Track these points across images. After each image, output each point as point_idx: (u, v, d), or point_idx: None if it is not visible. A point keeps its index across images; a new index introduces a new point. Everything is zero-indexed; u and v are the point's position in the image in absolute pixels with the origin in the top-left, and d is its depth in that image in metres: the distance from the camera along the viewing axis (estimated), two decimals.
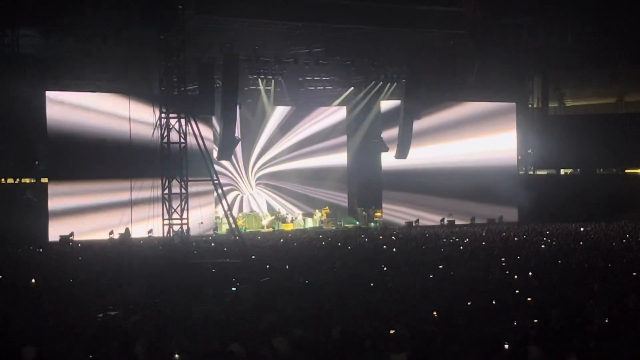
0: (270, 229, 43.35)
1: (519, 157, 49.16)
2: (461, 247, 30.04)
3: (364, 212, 46.93)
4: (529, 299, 16.29)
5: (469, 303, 15.79)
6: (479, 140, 47.11)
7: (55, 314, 15.69)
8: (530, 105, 50.60)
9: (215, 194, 36.51)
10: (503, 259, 24.72)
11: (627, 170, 52.35)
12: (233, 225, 34.45)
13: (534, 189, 47.15)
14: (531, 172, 50.44)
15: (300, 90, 45.40)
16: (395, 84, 44.63)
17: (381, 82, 45.09)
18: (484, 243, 31.82)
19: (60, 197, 38.63)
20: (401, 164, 44.52)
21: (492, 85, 47.44)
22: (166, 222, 31.69)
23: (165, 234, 31.71)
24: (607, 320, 13.46)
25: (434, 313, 14.52)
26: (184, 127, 31.89)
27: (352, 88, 46.34)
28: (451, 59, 45.48)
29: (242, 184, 46.29)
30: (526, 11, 45.38)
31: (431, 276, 20.79)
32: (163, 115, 31.74)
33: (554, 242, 31.69)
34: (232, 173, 45.52)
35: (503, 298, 16.42)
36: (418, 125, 43.94)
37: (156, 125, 32.06)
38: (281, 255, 27.54)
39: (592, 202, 46.41)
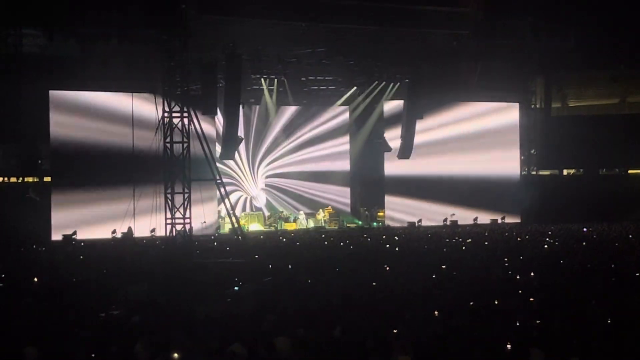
0: (273, 228, 43.42)
1: (522, 158, 49.13)
2: (464, 248, 30.02)
3: (366, 212, 46.95)
4: (531, 299, 16.28)
5: (471, 303, 15.78)
6: (482, 141, 47.09)
7: (57, 313, 15.69)
8: (533, 106, 50.56)
9: (218, 193, 36.53)
10: (505, 260, 24.70)
11: (630, 171, 52.31)
12: (236, 225, 34.45)
13: (537, 190, 47.14)
14: (534, 173, 50.40)
15: (303, 90, 45.40)
16: (398, 84, 44.67)
17: (384, 82, 45.12)
18: (486, 243, 31.81)
19: (63, 196, 38.67)
20: (404, 163, 44.52)
21: (494, 85, 47.38)
22: (169, 221, 31.69)
23: (167, 233, 31.71)
24: (609, 322, 13.44)
25: (436, 313, 14.51)
26: (187, 126, 31.89)
27: (355, 88, 46.35)
28: (454, 59, 45.44)
29: (244, 183, 46.29)
30: (529, 12, 45.33)
31: (433, 276, 20.78)
32: (166, 114, 31.73)
33: (557, 243, 31.68)
34: (234, 172, 45.53)
35: (505, 298, 16.40)
36: (421, 125, 43.94)
37: (159, 125, 32.06)
38: (284, 255, 27.54)
39: (595, 202, 46.39)
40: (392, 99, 45.63)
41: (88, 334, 13.25)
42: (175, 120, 31.85)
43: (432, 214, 45.79)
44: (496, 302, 15.92)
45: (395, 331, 12.88)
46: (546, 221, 43.36)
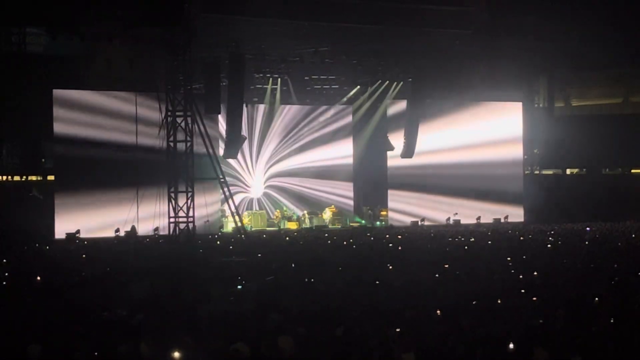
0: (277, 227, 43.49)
1: (525, 157, 49.13)
2: (466, 247, 30.02)
3: (369, 211, 46.95)
4: (534, 298, 16.28)
5: (474, 302, 15.78)
6: (485, 140, 47.08)
7: (60, 311, 15.71)
8: (536, 105, 50.57)
9: (221, 192, 36.57)
10: (509, 259, 24.70)
11: (633, 170, 52.29)
12: (239, 224, 34.50)
13: (540, 189, 47.14)
14: (537, 172, 50.40)
15: (307, 89, 45.45)
16: (402, 83, 44.67)
17: (387, 82, 45.14)
18: (489, 242, 31.81)
19: (67, 194, 38.71)
20: (407, 163, 44.55)
21: (498, 84, 47.39)
22: (172, 220, 31.74)
23: (171, 232, 31.77)
24: (612, 321, 13.44)
25: (438, 312, 14.51)
26: (190, 125, 31.93)
27: (358, 87, 46.37)
28: (457, 59, 45.44)
29: (247, 182, 46.31)
30: (533, 11, 45.31)
31: (437, 275, 20.78)
32: (169, 113, 31.78)
33: (560, 242, 31.67)
34: (237, 172, 45.54)
35: (508, 298, 16.40)
36: (424, 124, 43.95)
37: (162, 124, 32.13)
38: (286, 254, 27.54)
39: (598, 202, 46.39)
40: (396, 98, 45.65)
41: (91, 333, 13.26)
42: (179, 119, 31.90)
43: (435, 213, 45.80)
44: (499, 301, 15.92)
45: (397, 330, 12.89)
46: (549, 220, 43.35)
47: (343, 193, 47.83)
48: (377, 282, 19.31)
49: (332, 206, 46.25)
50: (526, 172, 49.43)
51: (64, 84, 39.28)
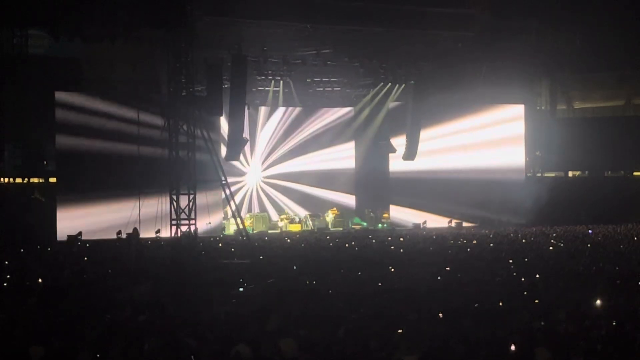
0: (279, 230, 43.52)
1: (527, 159, 49.12)
2: (468, 249, 30.02)
3: (371, 214, 46.91)
4: (536, 301, 16.29)
5: (476, 305, 15.79)
6: (487, 142, 47.09)
7: (62, 313, 15.72)
8: (538, 108, 50.56)
9: (223, 194, 36.55)
10: (510, 261, 24.71)
11: (635, 173, 52.23)
12: (241, 226, 34.49)
13: (542, 192, 47.12)
14: (539, 175, 50.38)
15: (309, 92, 45.43)
16: (404, 85, 44.63)
17: (389, 84, 45.08)
18: (491, 245, 31.82)
19: (69, 197, 38.72)
20: (409, 165, 44.56)
21: (500, 87, 47.36)
22: (174, 222, 31.73)
23: (173, 234, 31.75)
24: (614, 323, 13.44)
25: (441, 314, 14.53)
26: (192, 127, 31.92)
27: (360, 89, 46.36)
28: (460, 61, 45.42)
29: (249, 183, 46.34)
30: (535, 14, 45.29)
31: (438, 278, 20.80)
32: (171, 115, 31.77)
33: (562, 245, 31.67)
34: (239, 172, 45.55)
35: (510, 300, 16.41)
36: (426, 126, 43.95)
37: (164, 126, 32.12)
38: (288, 256, 27.57)
39: (600, 204, 46.36)
40: (398, 100, 45.62)
41: (93, 334, 13.27)
42: (181, 122, 31.88)
43: (437, 216, 45.79)
44: (501, 304, 15.93)
45: (400, 331, 12.90)
46: (551, 223, 43.34)
47: (345, 195, 47.82)
48: (379, 284, 19.34)
49: (334, 208, 46.23)
50: (528, 174, 49.41)
51: (66, 86, 39.34)
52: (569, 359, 11.30)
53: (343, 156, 47.92)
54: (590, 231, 38.54)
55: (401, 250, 29.89)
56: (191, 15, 31.91)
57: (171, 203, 31.82)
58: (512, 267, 23.37)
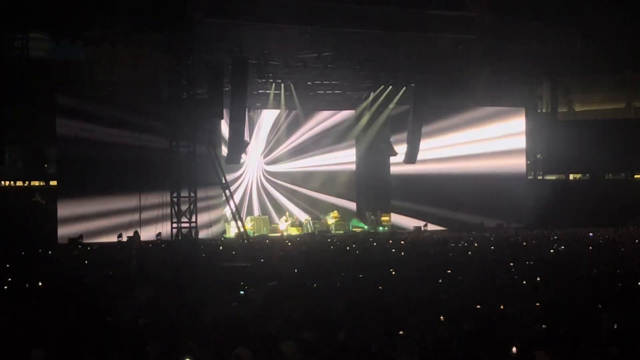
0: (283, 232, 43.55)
1: (528, 162, 49.14)
2: (470, 252, 30.00)
3: (372, 216, 46.93)
4: (537, 304, 16.26)
5: (477, 307, 15.77)
6: (488, 145, 47.09)
7: (63, 316, 15.71)
8: (539, 110, 50.60)
9: (224, 197, 36.55)
10: (511, 264, 24.69)
11: (636, 176, 52.26)
12: (242, 229, 34.50)
13: (543, 194, 47.15)
14: (540, 177, 50.37)
15: (309, 95, 45.45)
16: (404, 88, 44.61)
17: (390, 87, 45.08)
18: (492, 248, 31.80)
19: (70, 199, 38.71)
20: (410, 168, 44.55)
21: (501, 90, 47.45)
22: (175, 225, 31.71)
23: (173, 237, 31.74)
24: (615, 326, 13.43)
25: (442, 317, 14.51)
26: (193, 130, 31.91)
27: (361, 92, 46.37)
28: (460, 64, 45.47)
29: (248, 176, 46.34)
30: (535, 16, 45.33)
31: (439, 280, 20.78)
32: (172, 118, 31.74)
33: (563, 247, 31.65)
34: (240, 175, 45.58)
35: (511, 303, 16.39)
36: (427, 129, 43.96)
37: (165, 129, 32.16)
38: (289, 259, 27.55)
39: (601, 207, 46.33)
40: (398, 103, 45.60)
41: (94, 338, 13.27)
42: (182, 124, 31.88)
43: (438, 218, 45.77)
44: (502, 307, 15.91)
45: (401, 333, 12.89)
46: (552, 226, 43.32)
47: (346, 198, 47.84)
48: (380, 288, 19.31)
49: (335, 211, 46.24)
50: (529, 177, 49.41)
51: (67, 88, 39.35)
52: None
53: (344, 159, 47.94)
54: (591, 234, 38.51)
55: (402, 253, 29.86)
56: (192, 18, 31.92)
57: (172, 206, 31.81)
58: (513, 270, 23.35)
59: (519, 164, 48.46)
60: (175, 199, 31.79)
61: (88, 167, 38.79)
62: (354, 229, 45.89)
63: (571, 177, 53.04)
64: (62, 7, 36.55)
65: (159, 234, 35.61)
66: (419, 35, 40.28)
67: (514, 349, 11.63)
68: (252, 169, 46.39)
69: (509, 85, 47.72)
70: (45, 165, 40.65)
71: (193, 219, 31.87)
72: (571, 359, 11.39)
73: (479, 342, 12.34)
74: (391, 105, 46.01)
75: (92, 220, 38.38)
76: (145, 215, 35.40)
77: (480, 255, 28.53)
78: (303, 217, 45.97)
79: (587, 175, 52.74)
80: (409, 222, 45.59)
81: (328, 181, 47.74)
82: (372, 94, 46.12)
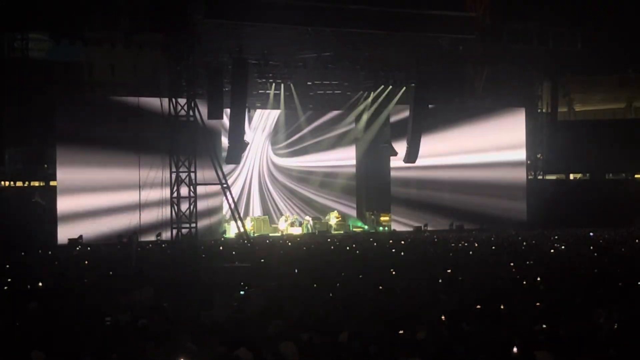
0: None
1: (528, 162, 49.12)
2: (470, 252, 29.99)
3: (372, 216, 46.93)
4: (537, 304, 16.25)
5: (477, 307, 15.76)
6: (488, 145, 47.05)
7: (63, 317, 15.70)
8: (539, 110, 50.55)
9: (224, 197, 36.55)
10: (512, 264, 24.67)
11: (636, 176, 52.24)
12: (242, 230, 34.49)
13: (543, 194, 47.17)
14: (540, 177, 50.37)
15: (309, 95, 45.43)
16: (405, 88, 44.58)
17: (390, 87, 45.02)
18: (493, 248, 31.78)
19: (69, 200, 38.69)
20: (410, 168, 44.51)
21: (501, 90, 47.47)
22: (175, 225, 31.72)
23: (173, 238, 31.75)
24: (616, 327, 13.41)
25: (442, 317, 14.49)
26: (193, 131, 31.89)
27: (361, 92, 46.36)
28: (460, 64, 45.47)
29: (249, 184, 46.35)
30: (536, 16, 45.32)
31: (440, 280, 20.77)
32: (172, 119, 31.74)
33: (563, 247, 31.63)
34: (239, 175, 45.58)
35: (512, 303, 16.37)
36: (427, 129, 43.93)
37: (165, 130, 32.15)
38: (290, 259, 27.53)
39: (602, 207, 46.33)
40: (398, 103, 45.58)
41: (94, 338, 13.25)
42: (182, 125, 31.89)
43: (438, 219, 45.74)
44: (502, 307, 15.89)
45: (401, 333, 12.89)
46: (552, 225, 43.31)
47: (346, 198, 47.84)
48: (380, 288, 19.30)
49: (335, 211, 46.23)
50: (529, 177, 49.39)
51: (67, 89, 39.31)
52: None
53: (344, 159, 47.93)
54: (591, 234, 38.50)
55: (402, 253, 29.85)
56: (192, 19, 31.96)
57: (172, 206, 31.83)
58: (514, 269, 23.34)
59: (519, 163, 48.43)
60: (175, 200, 31.81)
61: (88, 168, 38.75)
62: (354, 229, 45.87)
63: (571, 177, 53.05)
64: (62, 7, 36.53)
65: (159, 234, 35.61)
66: (419, 36, 40.27)
67: (515, 349, 11.62)
68: (252, 168, 46.36)
69: (509, 85, 47.76)
70: (45, 166, 40.58)
71: (193, 219, 31.88)
72: None
73: (480, 342, 12.32)
74: (391, 106, 45.98)
75: (91, 221, 38.34)
76: (146, 215, 35.38)
77: (480, 255, 28.51)
78: (303, 217, 45.93)
79: (587, 175, 52.74)
80: (409, 222, 45.56)
81: (328, 181, 47.73)
82: (372, 94, 46.08)
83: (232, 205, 36.24)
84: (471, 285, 19.78)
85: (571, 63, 48.22)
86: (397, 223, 45.75)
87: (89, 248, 34.76)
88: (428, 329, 13.32)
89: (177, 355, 11.74)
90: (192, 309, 16.44)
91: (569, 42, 46.00)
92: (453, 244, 33.91)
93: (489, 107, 47.74)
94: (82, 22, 37.32)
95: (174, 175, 32.57)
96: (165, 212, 32.32)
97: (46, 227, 37.79)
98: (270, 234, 42.97)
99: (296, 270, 23.75)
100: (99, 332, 13.85)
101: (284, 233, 43.45)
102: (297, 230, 44.02)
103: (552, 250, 30.22)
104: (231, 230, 41.53)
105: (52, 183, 39.82)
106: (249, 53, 37.95)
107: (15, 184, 40.01)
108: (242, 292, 19.13)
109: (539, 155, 50.08)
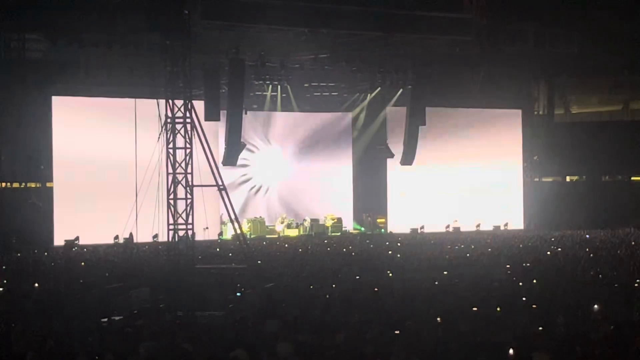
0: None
1: (525, 164, 49.15)
2: (467, 255, 30.00)
3: (369, 218, 46.92)
4: (534, 306, 16.27)
5: (474, 309, 15.78)
6: (485, 147, 47.09)
7: (59, 318, 15.70)
8: (536, 112, 50.58)
9: (221, 199, 36.50)
10: (508, 266, 24.69)
11: (632, 178, 52.25)
12: (239, 231, 34.45)
13: (540, 196, 47.21)
14: (537, 179, 50.39)
15: (306, 96, 45.42)
16: (401, 90, 44.58)
17: (387, 89, 45.04)
18: (489, 250, 31.80)
19: (66, 201, 38.66)
20: (407, 170, 44.48)
21: (497, 91, 47.46)
22: (171, 227, 31.67)
23: (170, 239, 31.69)
24: (612, 328, 13.43)
25: (439, 319, 14.51)
26: (189, 132, 31.88)
27: (358, 94, 46.35)
28: (457, 66, 45.46)
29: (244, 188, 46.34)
30: (532, 18, 45.31)
31: (436, 282, 20.78)
32: (168, 120, 31.71)
33: (559, 249, 31.66)
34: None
35: (508, 305, 16.40)
36: (424, 131, 43.89)
37: (162, 131, 32.09)
38: (286, 261, 27.55)
39: (598, 209, 46.38)
40: (395, 105, 45.58)
41: (90, 339, 13.26)
42: (178, 126, 31.84)
43: (435, 221, 45.72)
44: (499, 309, 15.92)
45: (397, 333, 12.91)
46: (549, 227, 43.35)
47: (343, 200, 47.81)
48: (376, 289, 19.32)
49: (332, 213, 46.21)
50: (526, 178, 49.43)
51: (64, 90, 39.26)
52: None
53: (341, 161, 47.92)
54: (587, 236, 38.53)
55: (398, 255, 29.87)
56: (189, 20, 31.87)
57: (168, 208, 31.76)
58: (510, 272, 23.36)
59: (515, 165, 48.49)
60: (171, 201, 31.77)
61: (84, 169, 38.71)
62: (350, 231, 45.85)
63: (568, 179, 53.06)
64: (58, 8, 36.48)
65: (156, 235, 35.55)
66: (415, 37, 40.25)
67: (511, 351, 11.63)
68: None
69: (506, 87, 47.74)
70: (42, 167, 40.51)
71: (189, 221, 31.83)
72: None
73: (476, 343, 12.34)
74: (388, 107, 45.99)
75: (88, 222, 38.28)
76: (142, 217, 35.28)
77: (476, 257, 28.53)
78: (300, 218, 45.92)
79: (584, 177, 52.75)
80: (406, 224, 45.53)
81: (324, 183, 47.70)
82: (369, 95, 46.10)
83: (229, 207, 36.18)
84: (467, 287, 19.81)
85: (568, 65, 48.20)
86: (394, 225, 45.71)
87: (85, 249, 34.74)
88: (425, 331, 13.35)
89: (174, 356, 11.76)
90: (188, 309, 16.44)
91: (566, 44, 46.00)
92: (449, 246, 33.92)
93: (486, 108, 47.73)
94: (79, 23, 37.27)
95: (170, 177, 32.52)
96: (162, 214, 32.23)
97: (42, 228, 37.77)
98: (267, 236, 42.96)
99: (293, 272, 23.77)
100: (95, 333, 13.85)
101: (281, 234, 43.44)
102: (293, 232, 44.01)
103: (548, 252, 30.24)
104: (228, 232, 41.51)
105: (48, 184, 39.78)
106: (245, 54, 37.95)
107: (11, 185, 39.96)
108: (239, 293, 19.14)
109: (535, 157, 50.10)
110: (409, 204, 45.93)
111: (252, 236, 41.41)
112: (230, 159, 38.96)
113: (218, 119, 38.23)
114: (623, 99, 53.40)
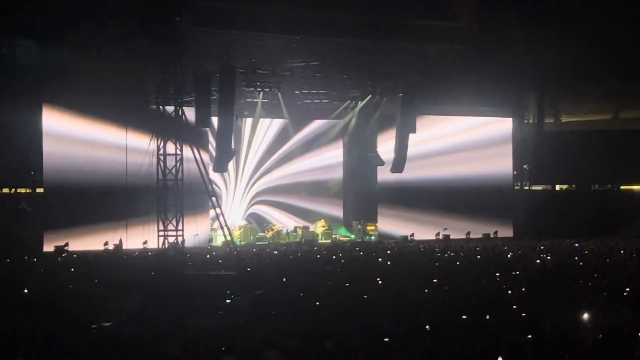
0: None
1: (515, 172, 49.26)
2: (457, 263, 30.00)
3: (359, 226, 46.94)
4: (523, 314, 16.28)
5: (463, 317, 15.77)
6: (475, 155, 47.19)
7: (48, 325, 15.64)
8: (526, 121, 50.71)
9: (211, 205, 36.51)
10: (497, 274, 24.69)
11: (622, 187, 52.43)
12: (229, 238, 34.45)
13: (529, 205, 47.30)
14: (527, 187, 50.49)
15: (297, 103, 45.40)
16: (392, 97, 44.63)
17: (377, 96, 45.08)
18: (479, 257, 31.81)
19: (56, 207, 38.55)
20: (397, 177, 44.52)
21: (488, 100, 47.56)
22: (161, 233, 31.66)
23: (160, 246, 31.69)
24: (600, 337, 13.44)
25: (427, 327, 14.50)
26: (180, 138, 31.88)
27: (349, 101, 46.39)
28: (448, 74, 45.54)
29: (234, 196, 46.27)
30: (523, 27, 45.46)
31: (426, 290, 20.77)
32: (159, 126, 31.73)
33: (549, 258, 31.68)
34: (225, 185, 45.52)
35: (497, 313, 16.40)
36: (414, 139, 43.95)
37: (152, 137, 32.11)
38: (276, 268, 27.50)
39: (587, 218, 46.46)
40: (386, 112, 45.62)
41: (79, 346, 13.21)
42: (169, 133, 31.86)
43: (425, 228, 45.74)
44: (488, 317, 15.91)
45: (386, 341, 12.90)
46: (538, 236, 43.40)
47: (333, 207, 47.84)
48: (365, 297, 19.30)
49: (322, 220, 46.22)
50: (516, 187, 49.54)
51: (54, 95, 39.17)
52: None
53: (331, 168, 47.96)
54: (576, 244, 38.57)
55: (388, 263, 29.86)
56: (180, 27, 31.93)
57: (158, 214, 31.78)
58: (499, 280, 23.36)
59: (505, 174, 48.58)
60: (162, 208, 31.77)
61: (74, 175, 38.62)
62: (340, 238, 45.87)
63: (557, 187, 53.19)
64: (49, 13, 36.46)
65: (146, 242, 35.51)
66: (406, 45, 40.38)
67: (500, 359, 11.64)
68: (241, 178, 46.36)
69: (496, 95, 47.84)
70: (32, 173, 40.38)
71: (180, 228, 31.84)
72: None
73: (465, 352, 12.33)
74: (378, 115, 46.02)
75: (78, 228, 38.18)
76: (132, 223, 35.27)
77: (466, 265, 28.53)
78: (290, 225, 45.92)
79: (574, 186, 52.88)
80: (396, 232, 45.57)
81: (315, 190, 47.74)
82: (359, 103, 46.13)
83: (219, 213, 36.20)
84: (457, 295, 19.80)
85: (558, 74, 48.35)
86: (384, 232, 45.75)
87: (75, 255, 34.64)
88: (414, 339, 13.34)
89: None
90: (177, 316, 16.41)
91: (556, 53, 46.17)
92: (439, 254, 33.93)
93: (476, 116, 47.83)
94: (70, 28, 37.25)
95: (161, 183, 32.54)
96: (152, 220, 32.24)
97: (32, 234, 37.66)
98: (257, 242, 42.94)
99: (282, 279, 23.73)
100: (84, 340, 13.80)
101: (271, 241, 43.42)
102: (283, 239, 44.00)
103: (537, 261, 30.25)
104: (218, 239, 41.49)
105: (38, 190, 39.68)
106: (236, 61, 37.96)
107: (1, 190, 39.86)
108: (228, 301, 19.11)
109: (525, 166, 50.21)
110: (399, 212, 45.95)
111: (242, 243, 41.39)
112: (221, 165, 38.96)
113: (209, 126, 38.30)
114: (613, 108, 53.58)
